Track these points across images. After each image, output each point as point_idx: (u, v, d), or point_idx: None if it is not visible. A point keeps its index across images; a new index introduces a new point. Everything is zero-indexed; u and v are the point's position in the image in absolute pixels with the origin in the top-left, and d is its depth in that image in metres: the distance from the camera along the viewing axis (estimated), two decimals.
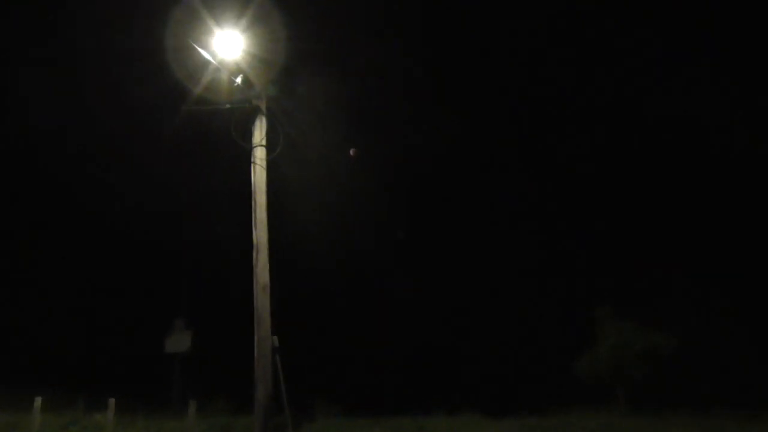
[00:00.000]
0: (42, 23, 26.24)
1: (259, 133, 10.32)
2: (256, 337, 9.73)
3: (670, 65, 24.26)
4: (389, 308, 23.65)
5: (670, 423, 14.07)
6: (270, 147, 10.39)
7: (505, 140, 27.49)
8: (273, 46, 10.36)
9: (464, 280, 25.16)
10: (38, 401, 12.04)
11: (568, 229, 25.11)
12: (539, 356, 21.54)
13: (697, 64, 24.29)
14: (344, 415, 16.21)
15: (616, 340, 19.02)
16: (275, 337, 10.00)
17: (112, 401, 12.32)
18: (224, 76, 10.31)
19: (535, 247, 25.45)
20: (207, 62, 10.15)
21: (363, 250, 24.06)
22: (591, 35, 26.27)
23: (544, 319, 23.00)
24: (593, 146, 25.90)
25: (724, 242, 22.69)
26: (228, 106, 10.37)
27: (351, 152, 14.11)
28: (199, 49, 9.86)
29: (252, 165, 10.21)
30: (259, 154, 10.22)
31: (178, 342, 20.01)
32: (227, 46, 10.02)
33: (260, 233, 9.96)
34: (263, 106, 10.45)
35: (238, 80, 10.31)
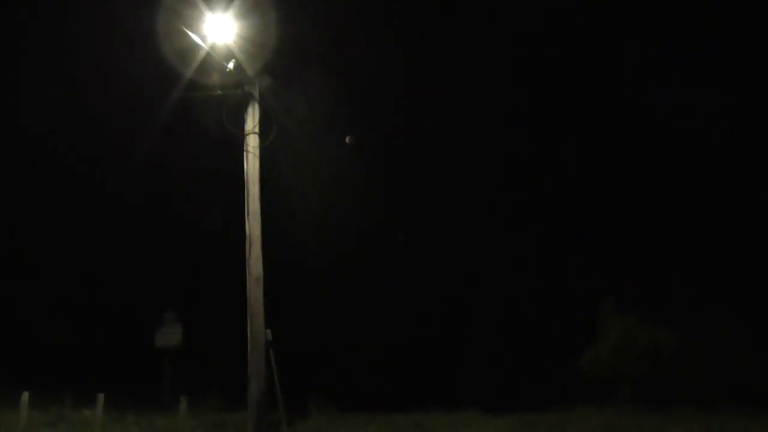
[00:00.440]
0: (27, 6, 26.10)
1: (252, 120, 10.32)
2: (249, 331, 9.76)
3: (676, 60, 24.30)
4: (387, 302, 23.68)
5: (673, 420, 14.11)
6: (263, 135, 10.38)
7: (505, 135, 27.48)
8: (266, 30, 10.34)
9: (463, 273, 25.18)
10: (25, 396, 12.06)
11: (570, 223, 25.13)
12: (540, 352, 21.59)
13: (700, 60, 24.35)
14: (340, 411, 16.24)
15: (618, 335, 19.08)
16: (269, 331, 10.03)
17: (100, 397, 12.35)
18: (216, 62, 10.28)
19: (536, 240, 25.47)
20: (198, 47, 10.11)
21: (360, 241, 24.06)
22: (592, 34, 26.30)
23: (545, 314, 23.06)
24: (594, 138, 25.93)
25: (730, 234, 22.72)
26: (219, 92, 10.35)
27: (347, 140, 14.12)
28: (190, 33, 9.83)
29: (245, 153, 10.21)
30: (252, 143, 10.22)
31: (169, 336, 20.06)
32: (219, 30, 9.98)
33: (253, 224, 9.98)
34: (256, 93, 10.44)
35: (230, 65, 10.29)
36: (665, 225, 23.93)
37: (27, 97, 24.22)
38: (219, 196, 20.47)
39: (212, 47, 10.09)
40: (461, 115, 27.68)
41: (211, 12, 9.85)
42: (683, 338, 18.41)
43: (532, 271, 24.57)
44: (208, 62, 10.22)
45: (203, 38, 9.97)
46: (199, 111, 11.03)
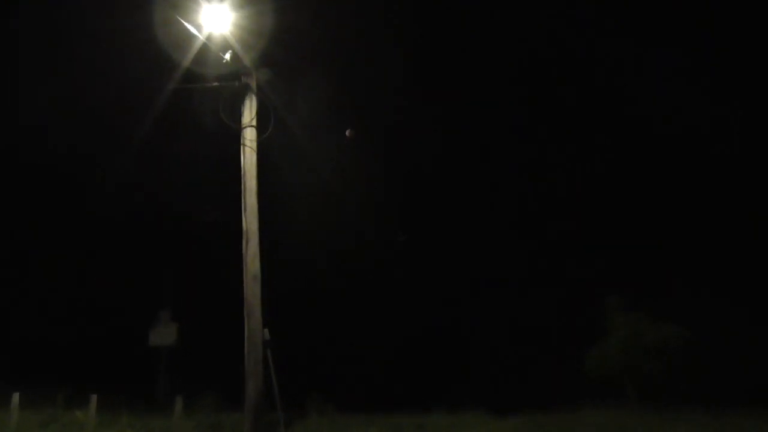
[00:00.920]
0: None
1: (249, 112, 10.30)
2: (246, 330, 9.76)
3: (680, 61, 24.34)
4: (388, 299, 23.68)
5: (682, 420, 14.14)
6: (261, 128, 10.36)
7: (511, 133, 27.52)
8: (264, 20, 10.31)
9: (467, 271, 25.20)
10: (16, 397, 12.07)
11: (574, 220, 25.14)
12: (545, 351, 21.62)
13: (703, 62, 24.42)
14: (339, 412, 16.26)
15: (625, 333, 19.08)
16: (266, 330, 10.03)
17: (93, 397, 12.36)
18: (212, 53, 10.26)
19: (540, 238, 25.50)
20: (194, 38, 10.09)
21: (361, 238, 24.07)
22: (595, 34, 26.34)
23: (549, 312, 23.06)
24: (601, 136, 25.98)
25: (738, 231, 22.75)
26: (216, 84, 10.33)
27: (347, 133, 14.11)
28: (186, 24, 9.80)
29: (241, 147, 10.19)
30: (249, 135, 10.20)
31: (164, 335, 20.08)
32: (215, 20, 9.95)
33: (250, 220, 9.96)
34: (253, 84, 10.42)
35: (227, 56, 10.27)
36: (671, 221, 23.96)
37: (17, 89, 24.21)
38: (215, 191, 20.48)
39: (209, 38, 10.07)
40: (467, 110, 27.70)
41: (208, 2, 9.83)
42: (690, 336, 18.40)
43: (536, 268, 24.59)
44: (205, 53, 10.20)
45: (199, 28, 9.95)
46: (195, 103, 11.02)
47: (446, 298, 24.86)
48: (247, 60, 10.27)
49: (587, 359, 19.60)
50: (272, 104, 10.51)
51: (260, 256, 9.98)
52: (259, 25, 10.28)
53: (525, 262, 24.86)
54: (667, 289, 20.45)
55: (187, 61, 10.14)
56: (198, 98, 10.65)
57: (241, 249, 10.02)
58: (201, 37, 10.00)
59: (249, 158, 10.09)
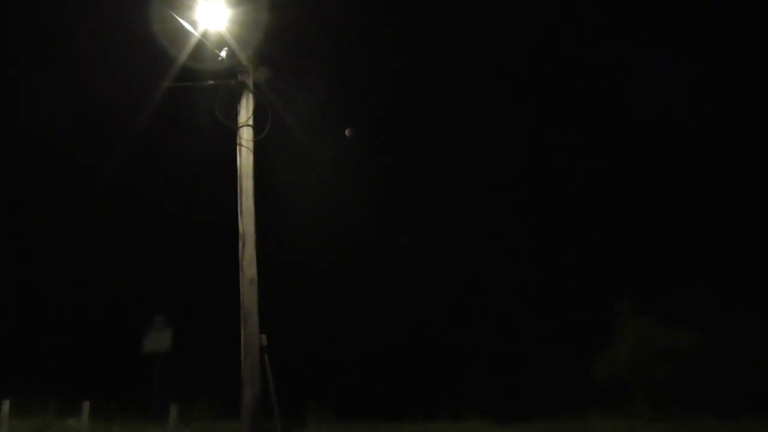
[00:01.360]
0: None
1: (246, 111, 10.32)
2: (242, 335, 9.79)
3: (681, 60, 24.41)
4: (389, 304, 23.68)
5: (695, 428, 14.14)
6: (258, 127, 10.38)
7: (518, 131, 27.55)
8: (261, 16, 10.33)
9: (470, 274, 25.20)
10: (6, 405, 12.10)
11: (582, 219, 25.12)
12: (551, 356, 21.60)
13: (712, 62, 24.52)
14: (338, 419, 16.28)
15: (635, 337, 19.07)
16: (263, 335, 10.05)
17: (86, 404, 12.39)
18: (208, 50, 10.28)
19: (546, 238, 25.49)
20: (189, 34, 10.11)
21: (360, 240, 24.06)
22: (596, 32, 26.44)
23: (557, 315, 23.05)
24: (613, 134, 26.02)
25: (756, 231, 22.71)
26: (211, 82, 10.35)
27: (347, 132, 14.14)
28: (180, 20, 9.83)
29: (238, 147, 10.22)
30: (246, 135, 10.22)
31: (158, 340, 20.07)
32: (211, 16, 9.97)
33: (247, 222, 9.99)
34: (250, 82, 10.44)
35: (223, 54, 10.29)
36: (684, 221, 23.93)
37: (8, 87, 24.25)
38: (211, 193, 20.50)
39: (204, 35, 10.10)
40: (471, 109, 27.73)
41: None
42: (703, 341, 18.39)
43: (542, 270, 24.58)
44: (200, 51, 10.23)
45: (195, 25, 9.97)
46: (190, 102, 11.04)
47: (449, 302, 24.87)
48: (243, 57, 10.29)
49: (595, 365, 19.60)
50: (269, 103, 10.53)
51: (257, 260, 10.00)
52: (256, 21, 10.30)
53: (531, 264, 24.85)
54: (678, 292, 20.42)
55: (182, 58, 10.17)
56: (193, 97, 10.68)
57: (237, 252, 10.05)
58: (196, 34, 10.02)
59: (245, 158, 10.11)
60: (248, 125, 10.24)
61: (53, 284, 23.88)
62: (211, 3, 9.88)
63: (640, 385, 18.89)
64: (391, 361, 22.84)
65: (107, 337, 22.82)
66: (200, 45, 10.23)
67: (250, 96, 10.37)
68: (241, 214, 10.00)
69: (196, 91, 10.59)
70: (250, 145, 10.20)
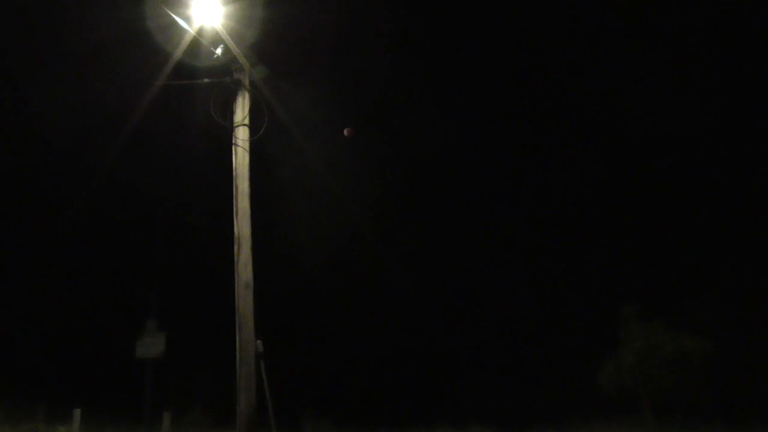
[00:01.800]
0: None
1: (242, 110, 10.28)
2: (237, 341, 9.74)
3: (682, 65, 24.55)
4: (388, 310, 23.68)
5: None
6: (254, 127, 10.35)
7: (522, 131, 27.64)
8: (258, 12, 10.32)
9: (472, 278, 25.21)
10: None
11: (587, 221, 25.15)
12: (555, 363, 21.60)
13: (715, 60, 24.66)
14: (336, 427, 16.29)
15: (642, 344, 19.07)
16: (259, 342, 10.02)
17: (77, 412, 12.37)
18: (203, 47, 10.26)
19: (551, 241, 25.51)
20: (183, 31, 10.09)
21: (358, 245, 24.07)
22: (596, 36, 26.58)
23: (560, 322, 23.06)
24: (623, 140, 26.12)
25: (763, 238, 22.73)
26: (206, 80, 10.33)
27: (345, 132, 14.11)
28: (175, 16, 9.81)
29: (233, 147, 10.18)
30: (241, 135, 10.18)
31: (150, 346, 20.04)
32: (206, 12, 9.95)
33: (242, 225, 9.95)
34: (246, 81, 10.41)
35: (218, 51, 10.26)
36: (692, 226, 23.95)
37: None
38: (205, 194, 20.50)
39: (199, 31, 10.07)
40: (475, 106, 27.79)
41: None
42: (712, 348, 18.39)
43: (546, 276, 24.59)
44: (195, 47, 10.20)
45: (189, 21, 9.96)
46: (184, 100, 11.03)
47: (451, 308, 24.86)
48: (239, 55, 10.27)
49: (600, 372, 19.59)
50: (266, 101, 10.51)
51: (253, 263, 9.97)
52: (252, 17, 10.28)
53: (534, 268, 24.85)
54: (686, 298, 20.43)
55: (176, 56, 10.15)
56: (187, 95, 10.66)
57: (232, 255, 10.02)
58: (191, 30, 10.00)
59: (241, 159, 10.08)
60: (244, 125, 10.20)
61: (42, 287, 23.85)
62: None
63: (646, 392, 18.88)
64: (391, 368, 22.84)
65: (98, 342, 22.80)
66: (195, 42, 10.21)
67: (246, 94, 10.34)
68: (237, 215, 9.96)
69: (190, 90, 10.57)
70: (246, 145, 10.16)
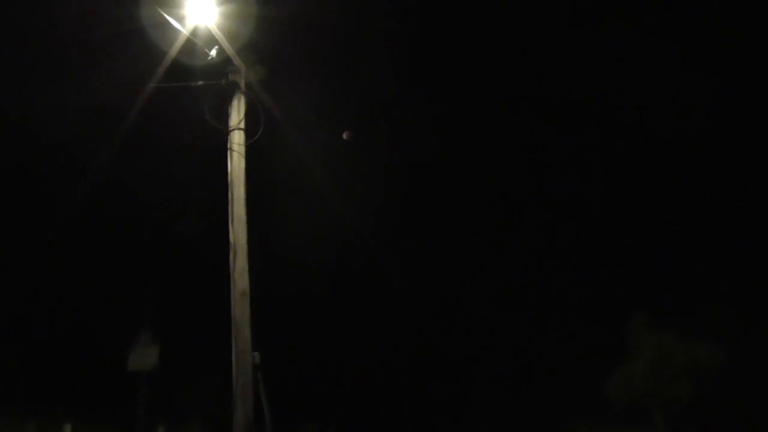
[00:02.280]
0: None
1: (237, 114, 10.27)
2: (233, 352, 9.72)
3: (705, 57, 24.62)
4: (389, 318, 23.66)
5: None
6: (250, 131, 10.35)
7: (527, 132, 27.69)
8: (255, 12, 10.32)
9: (476, 285, 25.19)
10: None
11: (595, 224, 25.14)
12: (563, 373, 21.57)
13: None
14: None
15: (653, 353, 19.04)
16: (256, 353, 9.99)
17: (68, 427, 12.36)
18: (197, 48, 10.26)
19: (558, 245, 25.49)
20: (177, 31, 10.09)
21: (357, 253, 24.05)
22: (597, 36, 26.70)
23: (568, 331, 23.02)
24: (625, 143, 26.17)
25: None
26: (201, 82, 10.32)
27: (345, 135, 14.11)
28: (167, 17, 9.81)
29: (228, 152, 10.18)
30: (237, 139, 10.17)
31: (144, 357, 20.01)
32: (201, 12, 9.95)
33: (238, 231, 9.94)
34: (242, 83, 10.41)
35: (213, 53, 10.27)
36: (705, 230, 23.93)
37: None
38: (200, 200, 20.50)
39: (193, 31, 10.07)
40: (479, 107, 27.83)
41: None
42: (726, 357, 18.36)
43: (553, 282, 24.56)
44: (189, 48, 10.19)
45: (182, 21, 9.96)
46: (178, 103, 11.02)
47: (456, 316, 24.84)
48: (235, 56, 10.26)
49: (610, 382, 19.56)
50: (263, 104, 10.50)
51: (249, 271, 9.95)
52: (249, 17, 10.29)
53: (543, 276, 24.83)
54: (698, 306, 20.39)
55: (168, 57, 10.15)
56: (182, 98, 10.66)
57: (228, 263, 10.00)
58: (184, 30, 10.00)
59: (237, 164, 10.06)
60: (240, 128, 10.19)
61: (32, 297, 23.84)
62: None
63: (658, 403, 18.84)
64: (394, 378, 22.81)
65: (90, 353, 22.76)
66: (190, 43, 10.21)
67: (242, 97, 10.33)
68: (232, 222, 9.94)
69: (184, 92, 10.56)
70: (242, 149, 10.15)
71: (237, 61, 10.32)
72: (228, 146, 10.17)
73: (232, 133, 10.18)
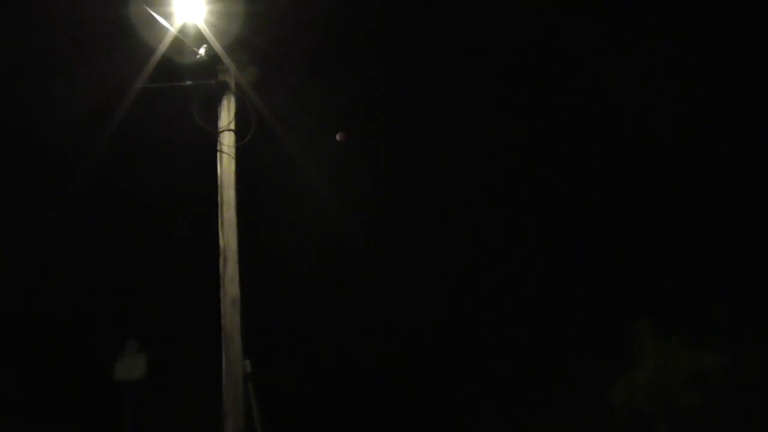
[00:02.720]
0: None
1: (227, 115, 10.24)
2: (224, 362, 9.67)
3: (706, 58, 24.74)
4: (387, 326, 23.64)
5: None
6: (240, 132, 10.32)
7: (527, 134, 27.77)
8: (245, 9, 10.29)
9: (474, 290, 25.20)
10: None
11: (600, 229, 25.19)
12: (565, 381, 21.59)
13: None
14: None
15: (658, 361, 19.07)
16: (247, 362, 9.96)
17: None
18: (185, 46, 10.22)
19: (561, 250, 25.51)
20: (164, 29, 10.05)
21: (351, 257, 24.04)
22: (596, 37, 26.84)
23: (570, 338, 23.05)
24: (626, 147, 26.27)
25: None
26: (189, 82, 10.29)
27: (338, 136, 14.10)
28: (154, 14, 9.77)
29: (218, 154, 10.14)
30: (227, 141, 10.14)
31: (131, 367, 19.92)
32: (189, 9, 9.92)
33: (228, 236, 9.90)
34: (232, 83, 10.37)
35: (202, 51, 10.23)
36: (710, 236, 24.00)
37: None
38: (189, 204, 20.44)
39: (181, 29, 10.03)
40: (475, 107, 27.87)
41: None
42: (731, 364, 18.40)
43: (556, 288, 24.58)
44: (178, 47, 10.15)
45: (170, 18, 9.92)
46: (165, 104, 10.98)
47: (454, 325, 24.84)
48: (224, 55, 10.23)
49: (613, 391, 19.57)
50: (254, 105, 10.47)
51: (240, 278, 9.91)
52: (240, 15, 10.26)
53: (544, 282, 24.85)
54: (704, 313, 20.43)
55: (156, 56, 10.11)
56: (169, 98, 10.62)
57: (218, 269, 9.96)
58: (171, 28, 9.96)
59: (226, 166, 10.02)
60: (230, 130, 10.15)
61: (15, 303, 23.73)
62: None
63: (662, 412, 18.86)
64: (392, 389, 22.80)
65: (74, 363, 22.66)
66: (178, 41, 10.17)
67: (232, 97, 10.30)
68: (222, 227, 9.90)
69: (172, 92, 10.52)
70: (232, 151, 10.12)
71: (226, 60, 10.29)
72: (218, 148, 10.13)
73: (221, 135, 10.14)
